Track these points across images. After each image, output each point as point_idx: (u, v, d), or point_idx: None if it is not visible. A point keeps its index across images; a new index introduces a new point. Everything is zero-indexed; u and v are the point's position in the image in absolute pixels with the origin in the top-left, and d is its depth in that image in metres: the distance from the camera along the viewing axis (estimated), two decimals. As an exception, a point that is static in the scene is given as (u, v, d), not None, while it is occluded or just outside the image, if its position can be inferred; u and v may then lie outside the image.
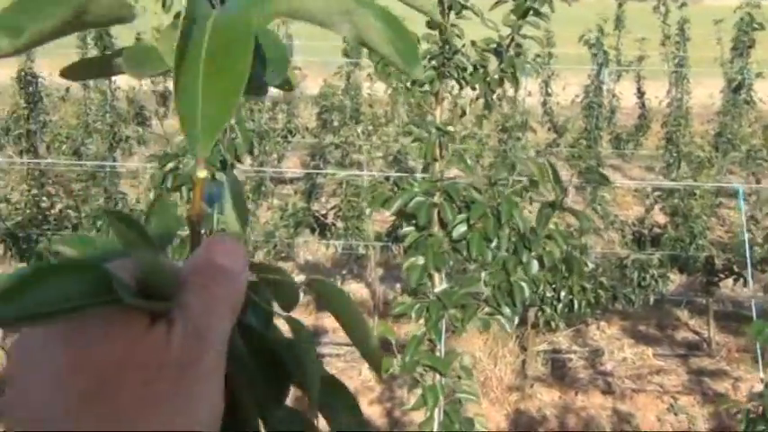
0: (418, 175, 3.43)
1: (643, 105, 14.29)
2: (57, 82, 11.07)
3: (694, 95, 11.47)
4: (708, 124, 11.35)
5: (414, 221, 3.36)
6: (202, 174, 0.62)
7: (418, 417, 3.92)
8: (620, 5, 13.60)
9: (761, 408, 3.18)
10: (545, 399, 7.60)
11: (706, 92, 12.38)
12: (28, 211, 8.08)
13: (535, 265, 3.34)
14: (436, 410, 3.29)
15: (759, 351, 3.46)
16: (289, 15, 0.62)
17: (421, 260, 3.27)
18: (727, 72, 10.31)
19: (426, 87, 3.36)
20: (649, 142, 14.35)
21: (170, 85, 13.15)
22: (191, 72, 0.53)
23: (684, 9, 11.09)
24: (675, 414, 7.28)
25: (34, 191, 8.47)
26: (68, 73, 0.66)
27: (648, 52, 13.54)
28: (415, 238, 3.34)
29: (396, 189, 3.44)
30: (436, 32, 3.32)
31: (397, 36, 0.62)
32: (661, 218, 9.20)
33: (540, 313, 7.42)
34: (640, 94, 14.20)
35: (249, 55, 0.53)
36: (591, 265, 7.46)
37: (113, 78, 9.77)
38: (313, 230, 8.98)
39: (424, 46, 3.39)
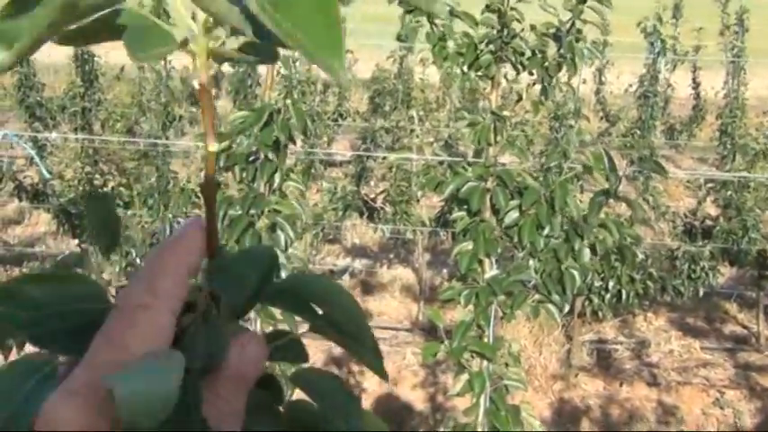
0: (471, 160, 3.41)
1: (698, 96, 14.09)
2: (112, 61, 11.18)
3: (751, 87, 11.29)
4: (764, 116, 11.16)
5: (465, 206, 3.35)
6: (213, 147, 0.62)
7: (461, 403, 3.91)
8: (677, -6, 13.41)
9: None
10: (589, 389, 7.56)
11: (763, 83, 12.19)
12: (81, 189, 8.18)
13: (587, 253, 3.32)
14: (482, 397, 3.29)
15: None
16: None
17: (471, 246, 3.26)
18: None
19: (482, 72, 3.34)
20: (703, 134, 14.16)
21: (223, 67, 13.23)
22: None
23: (743, -1, 10.90)
24: (721, 408, 7.21)
25: (87, 168, 8.58)
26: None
27: (705, 42, 13.34)
28: (466, 223, 3.33)
29: (448, 173, 3.43)
30: (495, 16, 3.30)
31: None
32: (713, 210, 9.08)
33: (587, 303, 7.38)
34: (696, 84, 13.99)
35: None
36: (640, 256, 7.39)
37: (168, 58, 9.85)
38: (361, 214, 9.00)
39: (481, 30, 3.37)
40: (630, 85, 11.46)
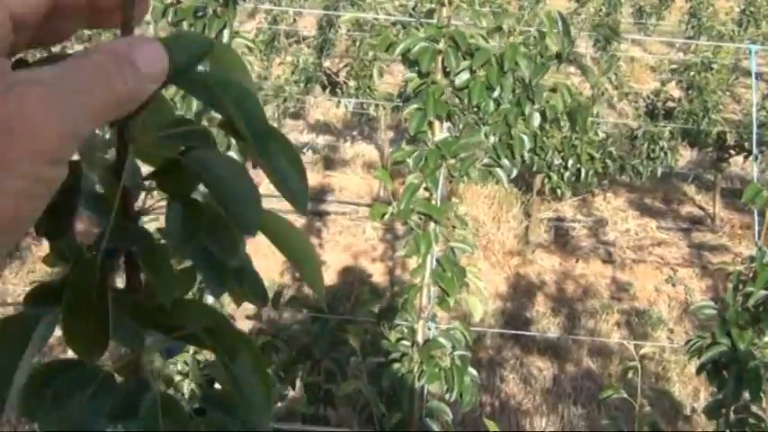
0: (424, 21, 3.35)
1: (669, -22, 13.97)
2: None
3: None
4: (733, 1, 11.10)
5: (417, 68, 3.30)
6: None
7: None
8: None
9: (752, 271, 3.19)
10: (545, 264, 7.67)
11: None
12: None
13: (537, 117, 3.30)
14: (428, 258, 3.31)
15: (756, 217, 3.45)
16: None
17: (421, 106, 3.23)
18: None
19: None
20: (673, 16, 14.06)
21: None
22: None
23: None
24: (673, 285, 7.35)
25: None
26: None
27: None
28: (416, 84, 3.29)
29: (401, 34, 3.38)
30: None
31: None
32: (677, 93, 9.09)
33: (546, 180, 7.41)
34: (667, -35, 13.86)
35: None
36: (601, 135, 7.41)
37: None
38: (324, 88, 8.91)
39: None
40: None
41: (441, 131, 3.35)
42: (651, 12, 14.23)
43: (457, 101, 3.29)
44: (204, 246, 0.66)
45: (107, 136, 0.66)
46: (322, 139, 10.26)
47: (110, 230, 0.62)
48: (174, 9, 3.35)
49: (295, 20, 12.06)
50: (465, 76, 3.18)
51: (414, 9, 5.40)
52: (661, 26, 14.41)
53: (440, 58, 3.27)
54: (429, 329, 3.40)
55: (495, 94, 3.16)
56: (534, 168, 7.22)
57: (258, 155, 0.65)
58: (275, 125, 6.27)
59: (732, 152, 8.20)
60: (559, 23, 3.21)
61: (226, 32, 3.35)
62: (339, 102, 8.82)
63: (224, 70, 0.69)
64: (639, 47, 14.60)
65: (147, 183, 0.67)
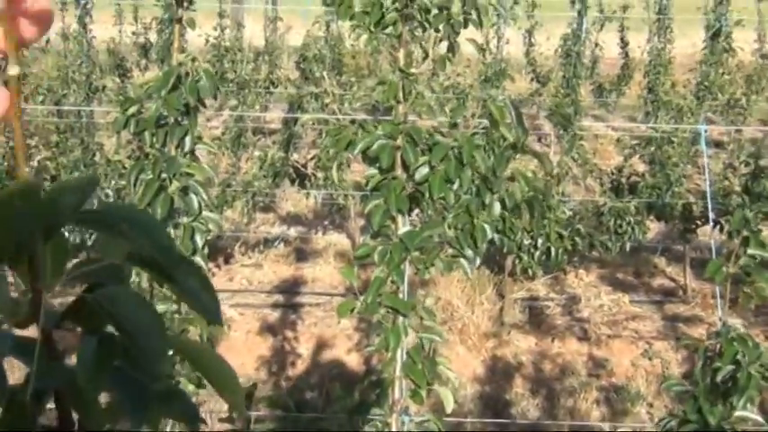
0: (380, 119, 3.43)
1: (626, 55, 14.26)
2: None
3: (679, 45, 11.46)
4: (690, 73, 11.35)
5: (377, 164, 3.37)
6: (14, 71, 0.63)
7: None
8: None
9: (718, 346, 3.23)
10: (522, 345, 7.68)
11: (690, 41, 12.36)
12: (6, 164, 8.05)
13: (497, 206, 3.36)
14: (398, 351, 3.33)
15: (718, 291, 3.50)
16: None
17: (383, 202, 3.29)
18: (709, 20, 10.29)
19: (389, 30, 3.35)
20: (632, 92, 14.34)
21: (151, 36, 13.12)
22: None
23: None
24: (650, 359, 7.37)
25: (12, 143, 8.43)
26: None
27: (632, 1, 13.50)
28: (377, 180, 3.35)
29: (360, 132, 3.45)
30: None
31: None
32: (641, 167, 9.23)
33: (517, 261, 7.47)
34: (624, 43, 14.17)
35: None
36: (568, 213, 7.51)
37: (90, 27, 9.70)
38: (293, 181, 8.98)
39: (387, -12, 3.37)
40: (558, 49, 11.58)
41: (403, 225, 3.40)
42: (611, 88, 14.52)
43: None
44: (123, 374, 0.69)
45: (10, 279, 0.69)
46: (293, 231, 10.30)
47: (35, 372, 0.65)
48: (135, 120, 3.41)
49: (263, 112, 12.22)
50: (424, 170, 3.25)
51: (373, 106, 5.51)
52: (622, 101, 14.70)
53: (399, 154, 3.34)
54: (403, 423, 3.40)
55: (455, 186, 3.23)
56: (504, 250, 7.28)
57: (169, 282, 0.70)
58: (245, 220, 6.27)
59: (698, 222, 8.31)
60: (512, 113, 3.29)
61: (188, 139, 3.41)
62: (308, 193, 8.90)
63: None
64: (603, 122, 14.86)
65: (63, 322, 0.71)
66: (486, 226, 3.35)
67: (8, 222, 0.62)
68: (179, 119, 3.42)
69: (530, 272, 7.49)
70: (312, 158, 9.03)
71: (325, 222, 10.45)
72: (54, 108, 9.21)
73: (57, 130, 8.87)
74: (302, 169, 8.89)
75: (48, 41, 11.83)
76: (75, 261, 0.75)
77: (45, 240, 0.66)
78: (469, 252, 3.38)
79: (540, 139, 12.30)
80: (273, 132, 10.71)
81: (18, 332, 0.70)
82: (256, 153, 9.49)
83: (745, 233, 3.16)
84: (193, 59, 3.43)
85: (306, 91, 9.13)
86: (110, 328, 0.69)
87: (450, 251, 3.41)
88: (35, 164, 8.29)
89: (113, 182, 7.69)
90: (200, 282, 0.69)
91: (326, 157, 8.60)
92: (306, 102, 8.72)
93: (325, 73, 8.56)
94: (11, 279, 0.70)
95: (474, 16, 3.38)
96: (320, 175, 8.78)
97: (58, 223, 0.68)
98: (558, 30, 12.69)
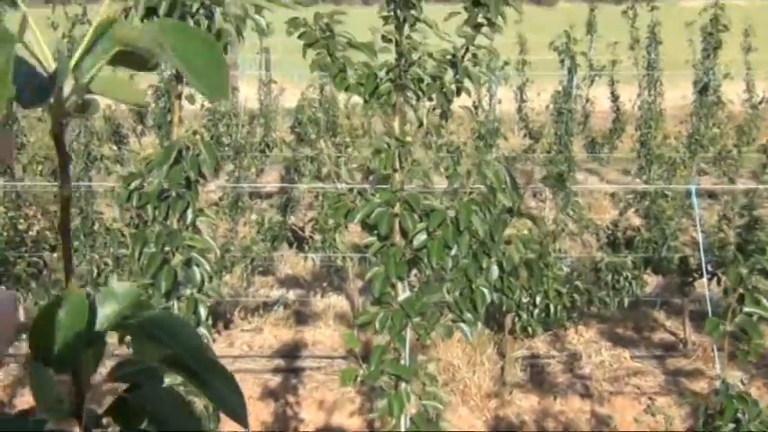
0: (378, 187, 3.48)
1: (618, 109, 14.41)
2: (32, 103, 11.07)
3: (669, 98, 11.59)
4: (681, 126, 11.45)
5: (376, 232, 3.41)
6: (66, 192, 0.68)
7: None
8: (591, 10, 13.73)
9: (719, 404, 3.25)
10: (524, 405, 7.66)
11: (681, 93, 12.50)
12: (5, 234, 8.09)
13: (495, 270, 3.40)
14: (402, 418, 3.34)
15: (715, 350, 3.52)
16: (125, 46, 0.67)
17: (383, 270, 3.33)
18: (698, 74, 10.42)
19: (384, 100, 3.42)
20: (625, 145, 14.47)
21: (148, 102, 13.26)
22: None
23: (656, 11, 11.18)
24: (653, 415, 7.32)
25: (11, 213, 8.49)
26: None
27: (621, 56, 13.67)
28: (377, 248, 3.40)
29: (359, 200, 3.50)
30: (392, 46, 3.38)
31: (207, 63, 0.66)
32: (637, 221, 9.28)
33: (516, 319, 7.48)
34: (614, 97, 14.32)
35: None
36: (566, 270, 7.54)
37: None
38: (291, 244, 9.02)
39: (381, 58, 3.45)
40: (549, 105, 11.72)
41: (403, 290, 3.43)
42: (603, 142, 14.65)
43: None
44: None
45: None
46: (292, 293, 10.31)
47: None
48: (138, 193, 3.46)
49: (258, 176, 12.31)
50: (422, 237, 3.29)
51: (368, 169, 5.60)
52: (615, 154, 14.82)
53: (397, 221, 3.39)
54: (408, 490, 3.40)
55: (453, 251, 3.27)
56: (504, 308, 7.30)
57: (199, 384, 0.74)
58: (244, 284, 6.29)
59: (696, 275, 8.33)
60: (507, 179, 3.34)
61: (189, 212, 3.46)
62: (306, 256, 8.93)
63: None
64: (597, 175, 14.97)
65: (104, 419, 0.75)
66: (485, 290, 3.38)
67: (55, 334, 0.67)
68: (179, 192, 3.47)
69: (529, 330, 7.49)
70: (310, 221, 9.08)
71: (324, 284, 10.45)
72: (52, 182, 9.28)
73: (55, 198, 8.93)
74: (300, 232, 8.93)
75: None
76: (115, 363, 0.79)
77: (87, 347, 0.70)
78: (469, 316, 3.41)
79: (535, 195, 12.39)
80: (270, 195, 10.78)
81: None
82: (253, 217, 9.54)
83: (740, 291, 3.20)
84: (194, 132, 3.49)
85: (302, 154, 9.20)
86: (148, 426, 0.73)
87: (450, 315, 3.44)
88: (33, 234, 8.34)
89: (112, 250, 7.73)
90: (229, 385, 0.73)
91: (324, 219, 8.66)
92: (302, 165, 8.79)
93: (321, 141, 8.65)
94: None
95: (466, 84, 3.45)
96: (318, 237, 8.83)
97: (101, 332, 0.72)
98: (550, 85, 12.86)
